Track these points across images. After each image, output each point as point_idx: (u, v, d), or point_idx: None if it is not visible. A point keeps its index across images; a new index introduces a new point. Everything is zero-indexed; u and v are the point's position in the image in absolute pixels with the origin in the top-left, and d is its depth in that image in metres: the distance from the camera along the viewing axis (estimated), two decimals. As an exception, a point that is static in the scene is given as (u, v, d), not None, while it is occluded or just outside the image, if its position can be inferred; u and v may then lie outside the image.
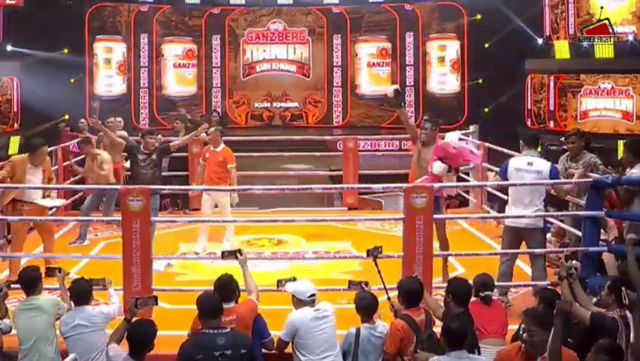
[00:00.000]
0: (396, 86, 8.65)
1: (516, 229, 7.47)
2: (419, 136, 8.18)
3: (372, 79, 20.12)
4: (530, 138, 7.86)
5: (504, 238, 7.62)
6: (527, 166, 7.41)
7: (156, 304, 5.98)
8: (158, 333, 6.28)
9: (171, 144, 9.36)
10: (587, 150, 8.19)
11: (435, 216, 7.10)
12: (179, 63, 19.88)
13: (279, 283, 6.21)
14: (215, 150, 9.72)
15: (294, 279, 6.17)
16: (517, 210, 7.39)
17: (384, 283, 6.22)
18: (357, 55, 20.12)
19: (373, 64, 20.05)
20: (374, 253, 6.46)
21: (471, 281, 6.02)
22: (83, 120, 14.44)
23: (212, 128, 10.07)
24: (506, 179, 7.46)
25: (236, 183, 9.80)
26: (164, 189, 9.70)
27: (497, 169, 8.21)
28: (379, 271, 6.28)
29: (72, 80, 18.60)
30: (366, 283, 6.19)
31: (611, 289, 5.36)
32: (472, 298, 5.88)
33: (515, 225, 7.46)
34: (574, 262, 5.90)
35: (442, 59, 19.82)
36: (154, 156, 8.99)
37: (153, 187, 7.69)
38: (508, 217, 7.53)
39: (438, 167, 7.86)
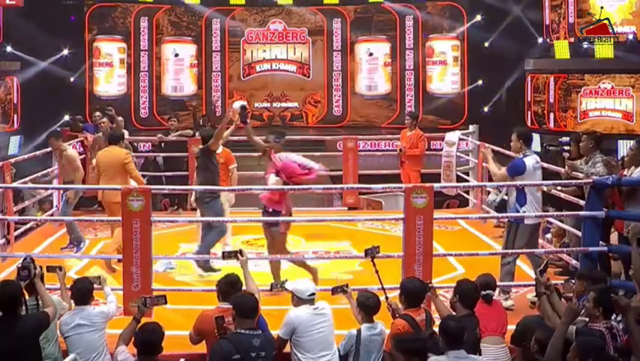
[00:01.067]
0: (243, 103, 8.45)
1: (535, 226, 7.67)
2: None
3: (387, 78, 20.14)
4: (530, 137, 7.86)
5: (523, 237, 7.53)
6: (537, 164, 7.56)
7: (166, 303, 5.95)
8: (158, 333, 6.29)
9: (209, 143, 9.09)
10: (600, 150, 8.16)
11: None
12: (180, 63, 19.88)
13: (272, 286, 6.23)
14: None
15: (286, 281, 6.21)
16: (541, 208, 7.59)
17: (381, 284, 6.23)
18: (372, 54, 20.10)
19: (386, 63, 20.08)
20: (372, 253, 6.47)
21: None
22: (98, 113, 14.01)
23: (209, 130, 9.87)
24: (516, 175, 7.49)
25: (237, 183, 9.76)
26: (164, 190, 9.74)
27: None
28: (377, 271, 6.29)
29: (71, 79, 18.59)
30: (347, 285, 6.25)
31: (597, 301, 5.24)
32: None
33: (536, 222, 7.65)
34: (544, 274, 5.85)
35: (442, 60, 19.81)
36: (199, 159, 8.71)
37: (153, 187, 7.69)
38: (507, 217, 7.53)
39: (272, 180, 7.69)
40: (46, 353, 5.74)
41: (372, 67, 20.14)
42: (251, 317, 5.31)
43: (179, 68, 19.85)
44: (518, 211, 7.50)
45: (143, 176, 11.69)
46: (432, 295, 6.11)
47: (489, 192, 10.76)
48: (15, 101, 17.53)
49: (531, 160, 7.51)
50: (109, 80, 19.41)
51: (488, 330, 5.79)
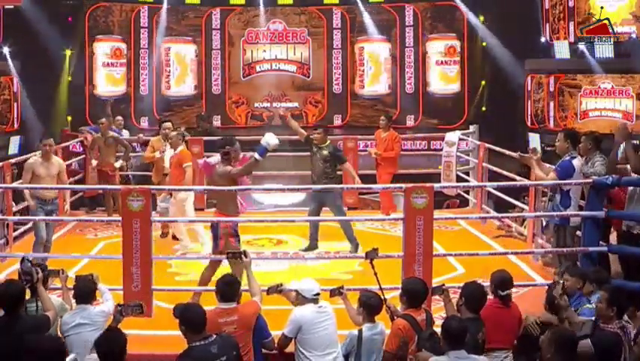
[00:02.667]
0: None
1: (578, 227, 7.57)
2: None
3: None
4: (577, 138, 7.76)
5: (570, 239, 7.53)
6: (581, 167, 7.53)
7: (142, 312, 5.79)
8: (158, 333, 6.31)
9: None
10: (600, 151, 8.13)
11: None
12: (179, 63, 19.86)
13: (269, 290, 6.23)
14: (175, 152, 9.96)
15: (281, 285, 6.22)
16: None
17: (380, 285, 6.22)
18: (391, 57, 20.03)
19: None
20: (372, 256, 6.46)
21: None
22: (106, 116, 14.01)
23: (174, 133, 10.21)
24: (567, 178, 7.43)
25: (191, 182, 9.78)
26: (164, 189, 9.75)
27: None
28: (376, 273, 6.28)
29: (69, 78, 18.56)
30: (342, 287, 6.24)
31: (611, 301, 5.23)
32: (490, 296, 5.84)
33: (579, 223, 7.53)
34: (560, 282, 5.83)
35: (441, 59, 19.79)
36: (324, 152, 9.69)
37: (153, 187, 7.69)
38: (507, 217, 7.54)
39: None
40: None
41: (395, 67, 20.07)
42: (202, 330, 5.14)
43: (176, 68, 19.80)
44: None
45: (143, 176, 11.75)
46: (444, 298, 6.07)
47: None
48: (15, 101, 17.51)
49: (577, 162, 7.52)
50: (109, 79, 19.39)
51: (498, 341, 5.62)
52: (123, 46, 19.43)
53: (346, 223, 9.57)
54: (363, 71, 20.16)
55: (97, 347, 4.99)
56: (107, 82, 19.33)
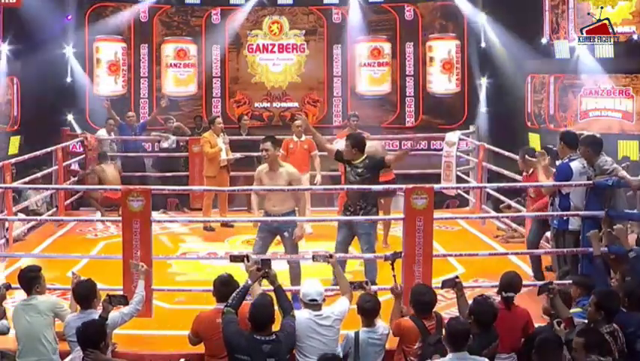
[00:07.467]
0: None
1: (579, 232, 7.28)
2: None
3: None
4: (574, 139, 7.45)
5: (570, 245, 7.32)
6: (582, 169, 7.28)
7: (127, 303, 6.01)
8: (158, 333, 6.32)
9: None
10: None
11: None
12: (180, 63, 19.86)
13: (315, 257, 6.34)
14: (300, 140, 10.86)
15: (331, 256, 6.26)
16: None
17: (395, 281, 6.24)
18: (391, 57, 20.01)
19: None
20: (392, 258, 6.44)
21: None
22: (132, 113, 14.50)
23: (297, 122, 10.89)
24: (564, 181, 7.23)
25: None
26: (164, 190, 9.76)
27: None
28: (394, 276, 6.27)
29: (68, 80, 18.57)
30: (367, 283, 6.18)
31: (599, 305, 5.20)
32: (497, 298, 5.83)
33: (579, 228, 7.26)
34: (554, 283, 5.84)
35: (442, 59, 19.79)
36: (359, 169, 7.88)
37: (154, 187, 7.68)
38: (506, 217, 7.52)
39: None
40: (40, 352, 5.77)
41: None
42: (263, 329, 5.32)
43: (176, 68, 19.81)
44: (561, 218, 7.33)
45: (146, 177, 11.78)
46: (457, 292, 6.01)
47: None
48: (15, 102, 17.50)
49: (577, 164, 7.25)
50: (109, 79, 19.39)
51: (501, 346, 5.57)
52: (123, 45, 19.43)
53: (372, 264, 7.64)
54: (363, 70, 20.17)
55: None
56: (108, 82, 19.33)
